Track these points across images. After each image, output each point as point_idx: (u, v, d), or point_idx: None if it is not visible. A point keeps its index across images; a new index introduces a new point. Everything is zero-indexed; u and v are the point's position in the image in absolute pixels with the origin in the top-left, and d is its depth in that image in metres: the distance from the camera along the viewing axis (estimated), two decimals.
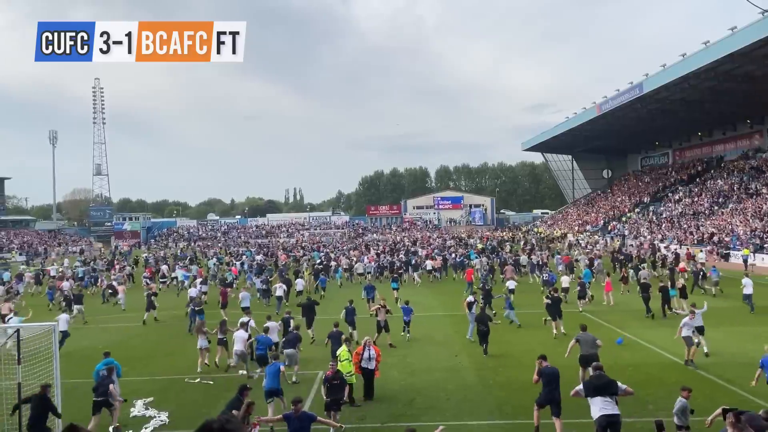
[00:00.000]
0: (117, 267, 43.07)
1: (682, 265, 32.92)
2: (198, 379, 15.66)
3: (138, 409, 13.39)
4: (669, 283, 24.43)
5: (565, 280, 27.02)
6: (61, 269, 42.70)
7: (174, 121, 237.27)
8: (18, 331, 11.88)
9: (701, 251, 38.41)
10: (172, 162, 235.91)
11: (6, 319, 20.60)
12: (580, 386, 9.78)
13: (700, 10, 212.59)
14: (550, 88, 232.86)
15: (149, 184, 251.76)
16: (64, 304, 27.69)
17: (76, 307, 25.68)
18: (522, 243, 54.57)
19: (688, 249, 41.15)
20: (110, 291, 31.52)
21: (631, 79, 51.21)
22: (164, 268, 39.87)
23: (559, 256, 37.82)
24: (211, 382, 15.40)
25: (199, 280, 30.84)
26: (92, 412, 11.87)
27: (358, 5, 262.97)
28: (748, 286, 23.26)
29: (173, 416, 12.97)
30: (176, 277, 36.52)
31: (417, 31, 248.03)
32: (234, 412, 9.13)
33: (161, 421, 12.73)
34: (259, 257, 47.17)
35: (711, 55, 38.74)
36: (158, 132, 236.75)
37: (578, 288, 24.89)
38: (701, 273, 28.61)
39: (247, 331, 16.22)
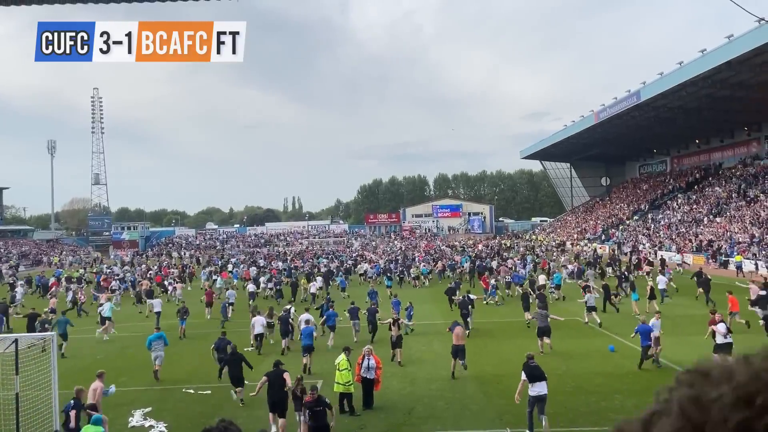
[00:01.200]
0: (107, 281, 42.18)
1: (646, 268, 36.29)
2: (191, 390, 15.59)
3: (136, 419, 13.33)
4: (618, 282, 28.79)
5: (541, 278, 30.17)
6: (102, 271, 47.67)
7: (172, 130, 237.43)
8: (16, 341, 11.85)
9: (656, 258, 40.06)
10: (171, 171, 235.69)
11: (98, 310, 25.67)
12: (524, 376, 11.93)
13: (696, 18, 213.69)
14: (548, 97, 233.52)
15: (148, 193, 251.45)
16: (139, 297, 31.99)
17: (150, 302, 28.50)
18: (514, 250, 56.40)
19: (645, 254, 45.06)
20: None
21: (628, 87, 51.41)
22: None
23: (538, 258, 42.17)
24: (209, 392, 15.34)
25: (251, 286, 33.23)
26: None
27: (356, 15, 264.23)
28: (661, 283, 27.25)
29: (172, 426, 12.91)
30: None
31: (415, 40, 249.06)
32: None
33: (160, 431, 12.68)
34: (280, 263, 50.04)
35: (708, 63, 38.88)
36: (157, 141, 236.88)
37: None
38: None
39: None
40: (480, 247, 60.89)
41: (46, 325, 21.51)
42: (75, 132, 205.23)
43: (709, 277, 27.31)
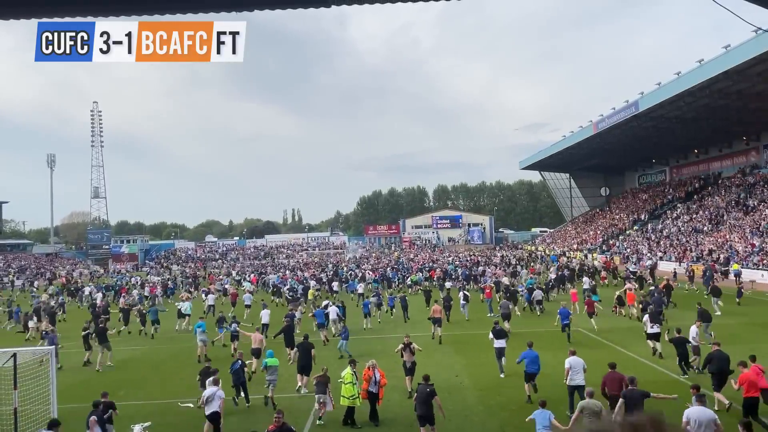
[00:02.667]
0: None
1: (603, 274, 41.02)
2: (191, 405, 15.47)
3: None
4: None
5: (505, 279, 33.32)
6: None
7: (171, 143, 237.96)
8: (15, 355, 11.78)
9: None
10: (170, 184, 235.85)
11: (178, 307, 30.05)
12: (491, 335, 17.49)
13: (694, 29, 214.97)
14: (546, 108, 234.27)
15: (147, 206, 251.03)
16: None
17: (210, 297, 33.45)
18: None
19: (608, 260, 49.38)
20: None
21: (626, 98, 51.61)
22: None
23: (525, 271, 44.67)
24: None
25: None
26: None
27: (354, 28, 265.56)
28: (585, 283, 32.05)
29: None
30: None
31: (413, 53, 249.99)
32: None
33: None
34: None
35: (705, 73, 39.04)
36: (156, 154, 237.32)
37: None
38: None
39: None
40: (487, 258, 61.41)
41: (145, 313, 28.25)
42: (74, 146, 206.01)
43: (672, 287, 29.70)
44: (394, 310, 30.24)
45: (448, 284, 37.57)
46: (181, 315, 28.82)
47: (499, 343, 17.50)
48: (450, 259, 62.08)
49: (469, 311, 28.17)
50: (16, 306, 35.56)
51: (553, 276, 39.42)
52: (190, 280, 53.35)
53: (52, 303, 36.38)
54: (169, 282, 50.95)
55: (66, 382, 17.34)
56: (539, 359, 14.88)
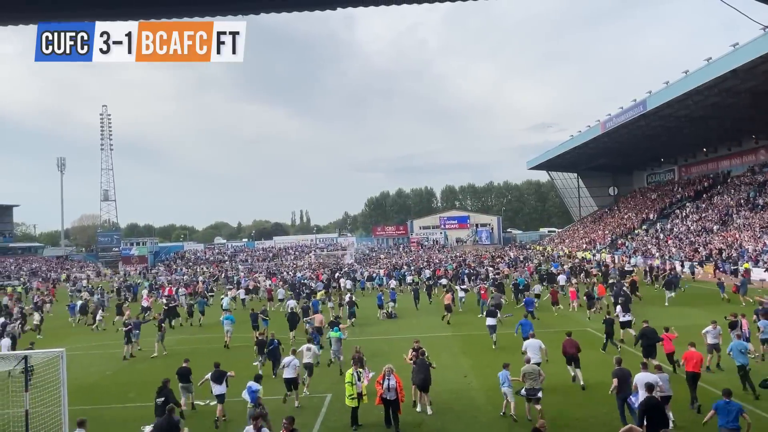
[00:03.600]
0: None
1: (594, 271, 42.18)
2: (207, 401, 15.56)
3: None
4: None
5: (537, 288, 32.53)
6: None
7: (180, 146, 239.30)
8: (26, 358, 11.90)
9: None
10: (179, 187, 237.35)
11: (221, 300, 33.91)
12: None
13: (701, 28, 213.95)
14: (553, 108, 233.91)
15: (156, 209, 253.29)
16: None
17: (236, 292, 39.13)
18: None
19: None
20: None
21: (634, 97, 51.40)
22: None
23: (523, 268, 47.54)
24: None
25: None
26: None
27: (361, 29, 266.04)
28: (561, 280, 35.67)
29: None
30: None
31: (420, 54, 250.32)
32: None
33: None
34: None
35: (713, 71, 38.80)
36: (165, 157, 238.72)
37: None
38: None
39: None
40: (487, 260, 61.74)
41: (193, 305, 32.55)
42: (84, 149, 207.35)
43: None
44: (394, 304, 31.87)
45: (443, 281, 40.97)
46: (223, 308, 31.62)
47: (491, 321, 21.53)
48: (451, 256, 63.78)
49: (466, 308, 31.54)
50: (71, 302, 39.18)
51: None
52: (227, 278, 57.72)
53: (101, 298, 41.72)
54: (201, 281, 54.13)
55: (74, 383, 17.46)
56: (533, 326, 19.31)
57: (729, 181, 58.95)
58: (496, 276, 41.38)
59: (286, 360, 15.20)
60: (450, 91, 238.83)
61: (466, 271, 44.89)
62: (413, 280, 43.72)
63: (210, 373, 14.48)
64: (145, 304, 34.60)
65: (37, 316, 31.74)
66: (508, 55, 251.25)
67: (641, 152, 69.38)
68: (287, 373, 14.89)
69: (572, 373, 15.87)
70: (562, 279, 36.67)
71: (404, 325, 27.78)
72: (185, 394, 15.14)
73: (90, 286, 56.05)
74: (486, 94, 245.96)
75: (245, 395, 12.84)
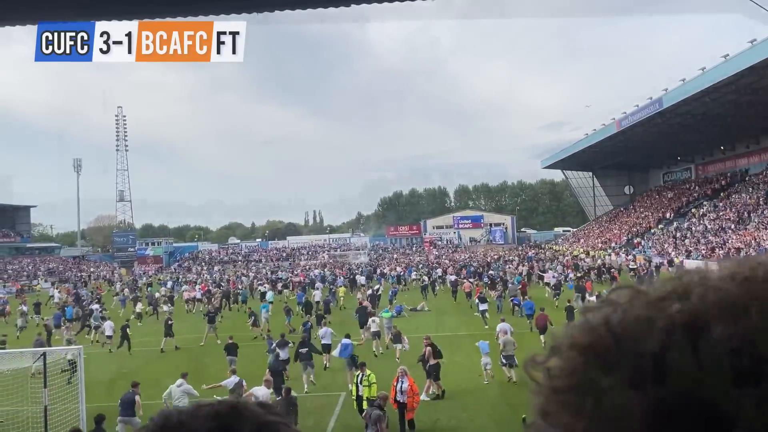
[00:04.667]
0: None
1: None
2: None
3: None
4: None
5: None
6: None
7: (194, 146, 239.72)
8: (44, 354, 12.04)
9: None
10: (194, 187, 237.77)
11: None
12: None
13: (718, 24, 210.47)
14: (567, 106, 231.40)
15: (171, 209, 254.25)
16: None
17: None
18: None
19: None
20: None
21: (650, 95, 50.83)
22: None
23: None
24: None
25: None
26: None
27: (374, 29, 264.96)
28: (550, 278, 35.96)
29: None
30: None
31: (432, 53, 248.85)
32: None
33: None
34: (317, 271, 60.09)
35: (731, 68, 38.31)
36: (180, 158, 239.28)
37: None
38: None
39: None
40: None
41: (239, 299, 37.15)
42: (100, 150, 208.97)
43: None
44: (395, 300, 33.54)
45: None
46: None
47: (483, 306, 25.86)
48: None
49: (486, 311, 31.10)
50: (122, 295, 42.57)
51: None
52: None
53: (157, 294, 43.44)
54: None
55: (91, 380, 17.63)
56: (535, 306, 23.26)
57: (747, 179, 58.19)
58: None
59: (322, 331, 19.67)
60: (463, 90, 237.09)
61: (471, 270, 46.20)
62: (419, 276, 45.94)
63: (276, 342, 17.75)
64: (198, 294, 38.66)
65: (139, 305, 34.87)
66: (521, 53, 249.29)
67: (657, 151, 68.70)
68: (325, 340, 19.06)
69: (543, 341, 19.23)
70: (550, 278, 35.88)
71: (407, 322, 27.64)
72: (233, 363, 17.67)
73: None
74: (499, 92, 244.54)
75: (338, 354, 16.77)
